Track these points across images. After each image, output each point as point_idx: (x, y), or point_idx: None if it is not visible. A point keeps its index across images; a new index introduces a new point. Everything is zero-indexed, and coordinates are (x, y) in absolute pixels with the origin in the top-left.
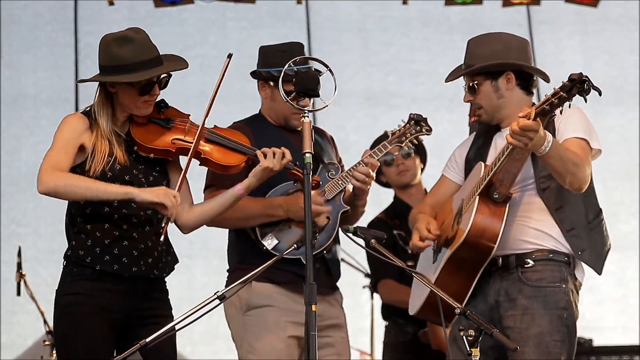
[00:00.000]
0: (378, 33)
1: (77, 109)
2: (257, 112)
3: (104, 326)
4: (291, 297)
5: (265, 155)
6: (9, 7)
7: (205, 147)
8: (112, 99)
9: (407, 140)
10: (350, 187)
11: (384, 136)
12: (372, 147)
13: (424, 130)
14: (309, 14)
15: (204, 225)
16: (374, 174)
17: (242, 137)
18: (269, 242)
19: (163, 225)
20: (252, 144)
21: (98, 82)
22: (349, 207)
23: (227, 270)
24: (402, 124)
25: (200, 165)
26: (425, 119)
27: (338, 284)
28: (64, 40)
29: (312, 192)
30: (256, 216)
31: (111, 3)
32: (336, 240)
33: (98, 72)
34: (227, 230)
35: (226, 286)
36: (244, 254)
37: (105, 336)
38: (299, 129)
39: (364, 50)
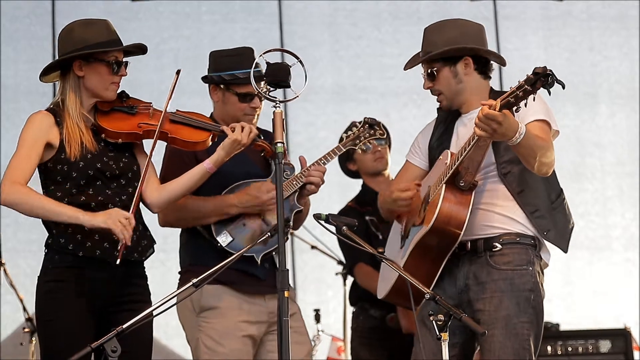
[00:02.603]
0: (348, 27)
1: None
2: (209, 115)
3: (85, 312)
4: (239, 296)
5: (233, 129)
6: None
7: (171, 127)
8: (80, 85)
9: (361, 143)
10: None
11: (341, 139)
12: (340, 140)
13: (377, 134)
14: (281, 8)
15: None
16: (324, 178)
17: (205, 117)
18: (224, 239)
19: (119, 248)
20: (207, 152)
21: (61, 73)
22: (302, 207)
23: (179, 272)
24: (357, 128)
25: (168, 145)
26: (379, 122)
27: (305, 281)
28: (42, 33)
29: (266, 182)
30: (210, 214)
31: None
32: (288, 239)
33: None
34: (179, 231)
35: (178, 288)
36: (196, 255)
37: (87, 322)
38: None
39: (334, 44)
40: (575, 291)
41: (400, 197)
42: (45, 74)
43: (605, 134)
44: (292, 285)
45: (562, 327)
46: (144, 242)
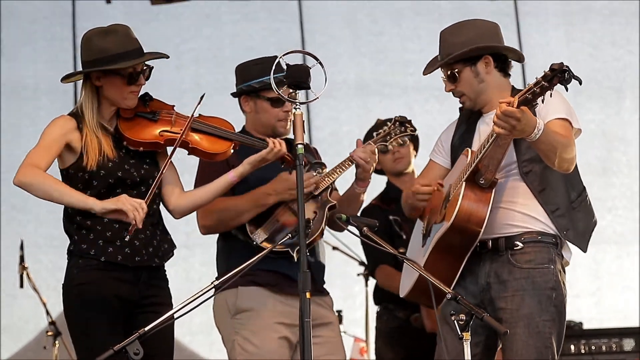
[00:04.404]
0: (369, 23)
1: (76, 100)
2: (241, 128)
3: (115, 313)
4: (276, 298)
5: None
6: (8, 2)
7: (193, 136)
8: (98, 94)
9: (392, 140)
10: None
11: (369, 135)
12: (365, 137)
13: (408, 131)
14: (302, 7)
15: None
16: (376, 156)
17: (227, 123)
18: (259, 237)
19: (129, 228)
20: (238, 159)
21: (83, 79)
22: (335, 202)
23: (216, 278)
24: (387, 125)
25: (189, 154)
26: (410, 120)
27: (331, 275)
28: (62, 34)
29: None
30: (248, 209)
31: (108, 1)
32: (323, 235)
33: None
34: (216, 237)
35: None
36: (231, 259)
37: (117, 323)
38: (285, 137)
39: (355, 40)
40: (604, 286)
41: (420, 191)
42: (66, 78)
43: (630, 129)
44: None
45: (591, 323)
46: (164, 246)
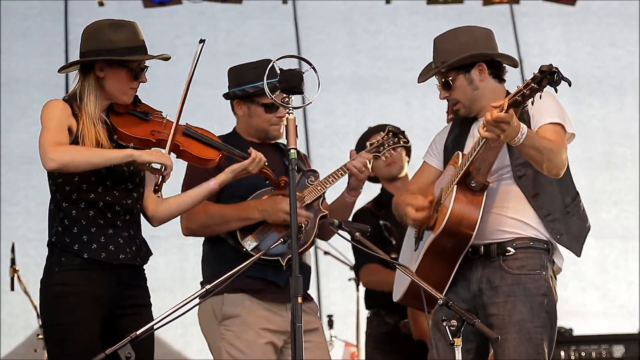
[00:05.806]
0: (365, 22)
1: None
2: (232, 130)
3: (95, 316)
4: (263, 305)
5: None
6: (4, 2)
7: (184, 140)
8: (99, 86)
9: (385, 151)
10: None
11: (361, 145)
12: (357, 146)
13: (401, 142)
14: (296, 5)
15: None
16: (369, 166)
17: (213, 135)
18: (249, 244)
19: (158, 183)
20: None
21: (82, 69)
22: (327, 212)
23: (201, 283)
24: (381, 136)
25: (177, 157)
26: (403, 132)
27: (329, 267)
28: (54, 30)
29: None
30: (232, 220)
31: (101, 4)
32: (313, 244)
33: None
34: (202, 240)
35: (201, 298)
36: (218, 264)
37: (96, 327)
38: (278, 140)
39: (351, 38)
40: (610, 280)
41: (415, 218)
42: (64, 68)
43: (633, 125)
44: (312, 279)
45: (597, 317)
46: (144, 249)
